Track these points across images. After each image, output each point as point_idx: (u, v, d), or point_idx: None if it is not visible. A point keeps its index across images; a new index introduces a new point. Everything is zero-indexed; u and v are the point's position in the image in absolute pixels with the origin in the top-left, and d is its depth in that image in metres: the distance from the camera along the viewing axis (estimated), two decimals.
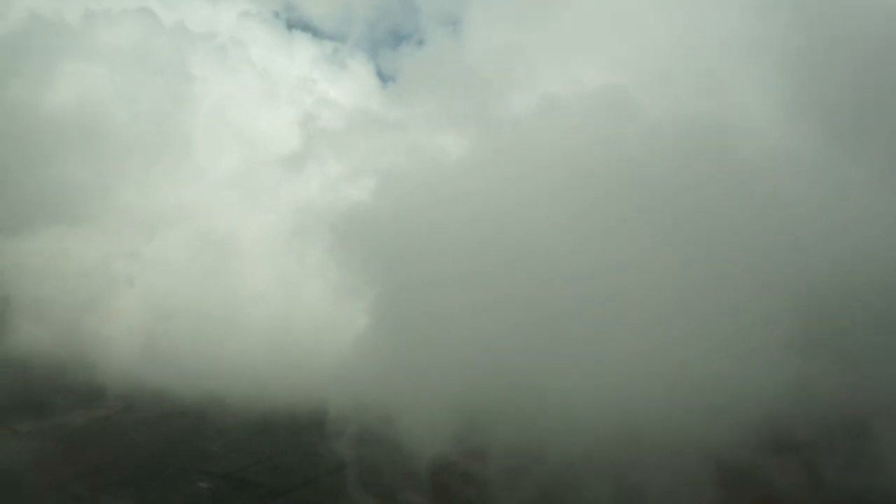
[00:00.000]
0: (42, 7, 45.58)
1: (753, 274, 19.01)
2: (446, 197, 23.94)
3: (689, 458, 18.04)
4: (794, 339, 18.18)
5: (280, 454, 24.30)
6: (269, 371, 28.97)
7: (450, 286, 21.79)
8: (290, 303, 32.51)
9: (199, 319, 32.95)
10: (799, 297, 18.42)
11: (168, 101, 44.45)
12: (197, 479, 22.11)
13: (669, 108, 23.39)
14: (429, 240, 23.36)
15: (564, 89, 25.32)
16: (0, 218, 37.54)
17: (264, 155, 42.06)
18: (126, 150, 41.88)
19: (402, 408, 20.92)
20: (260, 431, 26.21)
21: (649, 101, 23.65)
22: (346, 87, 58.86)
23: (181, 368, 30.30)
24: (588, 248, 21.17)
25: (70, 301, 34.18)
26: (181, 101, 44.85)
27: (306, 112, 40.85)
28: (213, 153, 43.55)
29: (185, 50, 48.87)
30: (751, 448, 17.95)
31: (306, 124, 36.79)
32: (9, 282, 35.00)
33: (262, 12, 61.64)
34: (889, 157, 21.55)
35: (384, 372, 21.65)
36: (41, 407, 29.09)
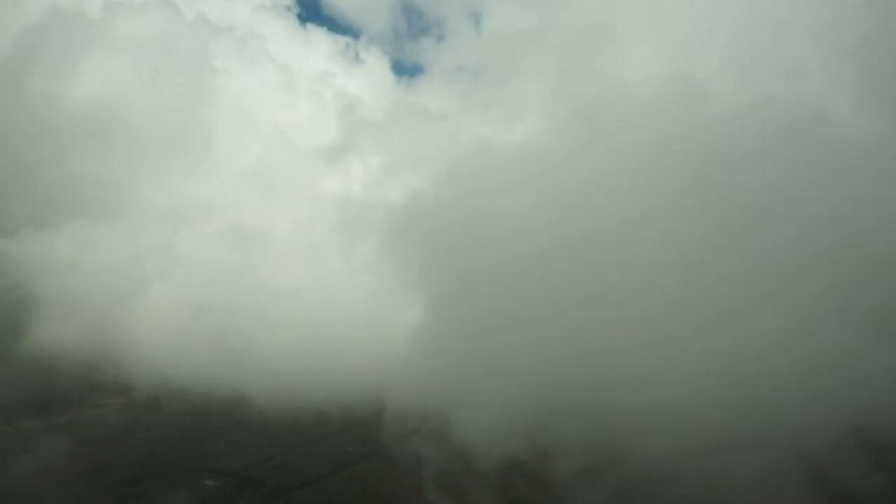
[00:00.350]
0: None
1: (850, 268, 17.94)
2: (502, 186, 23.04)
3: (777, 460, 17.00)
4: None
5: (283, 453, 23.33)
6: (300, 369, 27.99)
7: (513, 275, 20.74)
8: (325, 298, 31.51)
9: (229, 316, 31.94)
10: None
11: (192, 93, 43.80)
12: (203, 478, 21.21)
13: (739, 95, 22.60)
14: (487, 229, 22.35)
15: (629, 77, 24.57)
16: (25, 213, 36.60)
17: (291, 148, 41.44)
18: (150, 144, 41.05)
19: (465, 404, 19.82)
20: (277, 430, 25.15)
21: (717, 88, 22.86)
22: (364, 80, 58.85)
23: (209, 365, 29.31)
24: (659, 235, 20.21)
25: (97, 297, 33.12)
26: (205, 94, 44.21)
27: (345, 104, 40.27)
28: (239, 146, 42.83)
29: (207, 42, 48.40)
30: (848, 449, 16.88)
31: (344, 116, 35.94)
32: (34, 277, 33.89)
33: (276, 6, 61.68)
34: None
35: (444, 367, 20.57)
36: (51, 404, 28.02)
